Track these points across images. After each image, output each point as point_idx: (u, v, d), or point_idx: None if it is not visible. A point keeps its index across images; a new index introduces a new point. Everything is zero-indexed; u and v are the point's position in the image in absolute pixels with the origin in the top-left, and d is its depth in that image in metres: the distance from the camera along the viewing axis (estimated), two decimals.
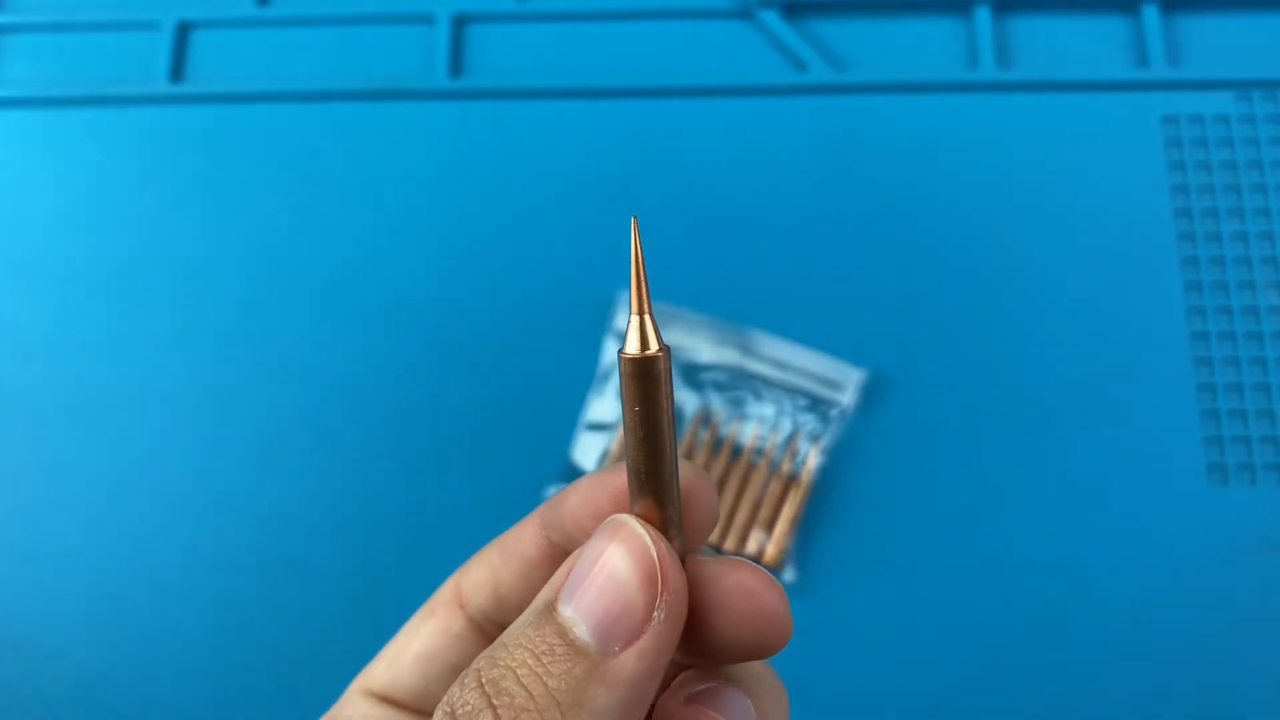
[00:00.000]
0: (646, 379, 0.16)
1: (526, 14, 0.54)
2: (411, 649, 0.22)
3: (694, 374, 0.48)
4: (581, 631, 0.16)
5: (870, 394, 0.47)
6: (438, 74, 0.53)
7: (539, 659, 0.16)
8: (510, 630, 0.17)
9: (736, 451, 0.47)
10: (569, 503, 0.20)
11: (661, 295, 0.49)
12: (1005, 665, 0.44)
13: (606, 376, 0.48)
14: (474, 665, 0.16)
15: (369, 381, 0.49)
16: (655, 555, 0.16)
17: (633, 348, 0.16)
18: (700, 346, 0.48)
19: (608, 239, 0.50)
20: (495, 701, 0.16)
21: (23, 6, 0.56)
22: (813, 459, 0.46)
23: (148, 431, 0.48)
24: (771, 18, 0.53)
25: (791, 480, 0.46)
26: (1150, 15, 0.52)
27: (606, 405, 0.47)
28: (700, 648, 0.18)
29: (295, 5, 0.55)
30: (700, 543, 0.19)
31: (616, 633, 0.16)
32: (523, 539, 0.21)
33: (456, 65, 0.54)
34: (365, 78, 0.53)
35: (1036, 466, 0.46)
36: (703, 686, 0.18)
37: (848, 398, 0.47)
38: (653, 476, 0.17)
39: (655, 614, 0.16)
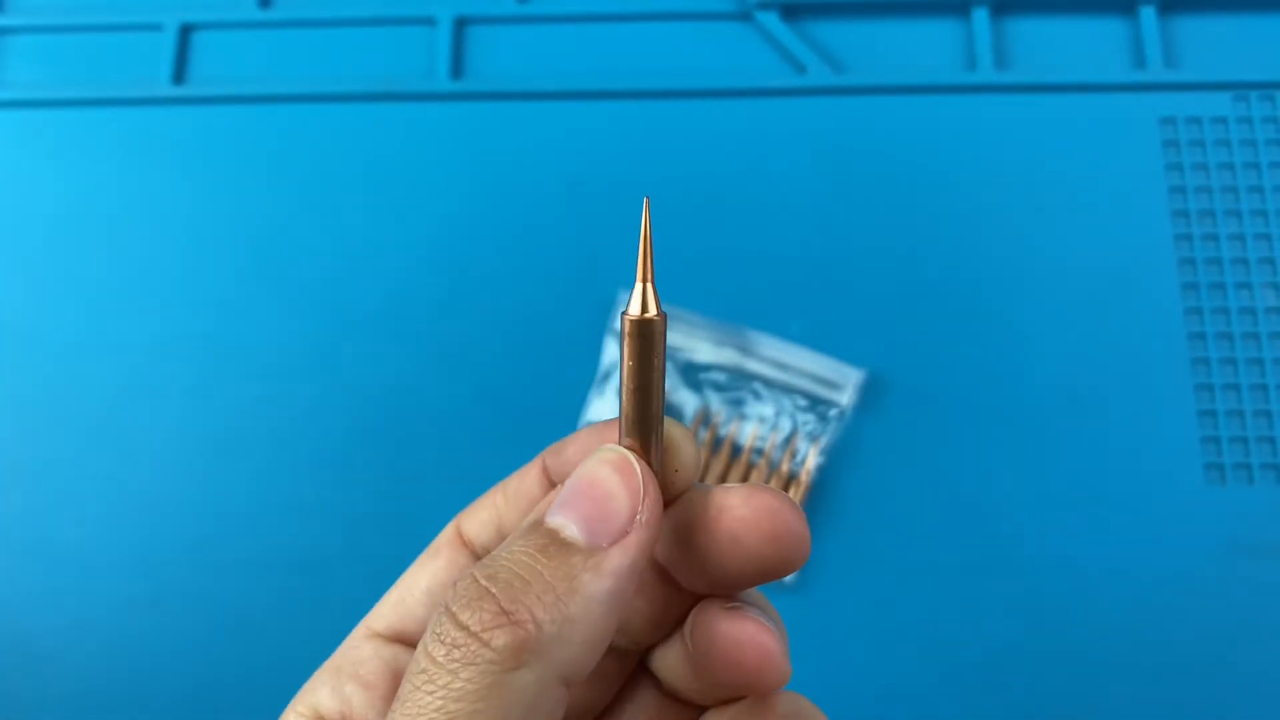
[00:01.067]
0: (643, 338, 0.19)
1: (527, 16, 0.55)
2: (419, 585, 0.24)
3: (693, 374, 0.48)
4: (571, 531, 0.18)
5: (869, 394, 0.47)
6: (439, 76, 0.53)
7: (533, 555, 0.18)
8: (498, 548, 0.19)
9: (736, 451, 0.47)
10: (570, 449, 0.22)
11: (661, 296, 0.49)
12: (1004, 664, 0.44)
13: (607, 376, 0.48)
14: (468, 571, 0.18)
15: (369, 381, 0.49)
16: (637, 469, 0.19)
17: (634, 310, 0.19)
18: (700, 347, 0.48)
19: (608, 239, 0.51)
20: (493, 589, 0.17)
21: (25, 8, 0.56)
22: (812, 459, 0.46)
23: (148, 431, 0.48)
24: (771, 20, 0.53)
25: (790, 480, 0.46)
26: (1147, 17, 0.53)
27: (606, 405, 0.47)
28: (726, 571, 0.20)
29: (297, 7, 0.55)
30: (686, 483, 0.21)
31: (603, 531, 0.18)
32: (526, 481, 0.23)
33: (458, 67, 0.54)
34: (367, 80, 0.54)
35: (1035, 466, 0.46)
36: (732, 604, 0.20)
37: (847, 398, 0.47)
38: (640, 423, 0.19)
39: (637, 518, 0.18)
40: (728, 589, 0.20)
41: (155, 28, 0.55)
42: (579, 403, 0.48)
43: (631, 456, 0.19)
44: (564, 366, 0.48)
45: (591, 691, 0.22)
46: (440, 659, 0.17)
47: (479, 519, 0.24)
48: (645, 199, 0.19)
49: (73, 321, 0.50)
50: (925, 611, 0.45)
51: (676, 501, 0.20)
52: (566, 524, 0.18)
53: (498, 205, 0.51)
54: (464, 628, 0.17)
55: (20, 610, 0.46)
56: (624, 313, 0.19)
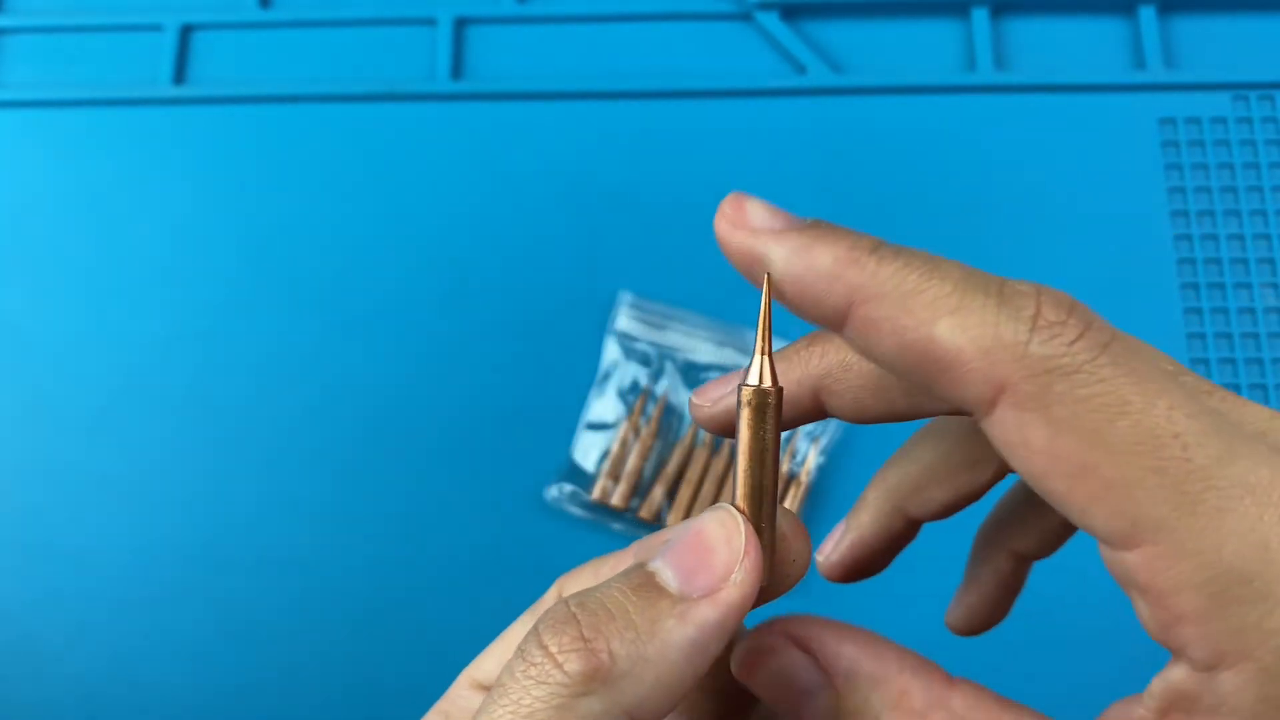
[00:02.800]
0: (759, 410, 0.20)
1: (527, 16, 0.55)
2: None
3: (694, 374, 0.48)
4: (666, 576, 0.19)
5: None
6: (439, 76, 0.53)
7: (624, 592, 0.18)
8: (602, 582, 0.19)
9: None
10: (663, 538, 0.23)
11: (662, 296, 0.49)
12: (1003, 664, 0.44)
13: (607, 376, 0.48)
14: (564, 597, 0.19)
15: (369, 381, 0.49)
16: (743, 530, 0.19)
17: (752, 379, 0.20)
18: (700, 347, 0.48)
19: (608, 240, 0.51)
20: (579, 616, 0.18)
21: (26, 8, 0.56)
22: (812, 458, 0.46)
23: (149, 431, 0.48)
24: (771, 20, 0.53)
25: (791, 479, 0.46)
26: (1147, 17, 0.53)
27: (606, 405, 0.48)
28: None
29: (297, 8, 0.55)
30: (796, 575, 0.21)
31: (696, 583, 0.18)
32: (624, 561, 0.23)
33: (458, 67, 0.54)
34: (367, 80, 0.54)
35: None
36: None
37: None
38: (753, 492, 0.20)
39: (733, 577, 0.19)
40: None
41: (155, 28, 0.55)
42: (579, 403, 0.48)
43: (740, 518, 0.19)
44: (564, 366, 0.48)
45: None
46: (518, 675, 0.17)
47: (579, 580, 0.24)
48: (767, 276, 0.19)
49: (73, 321, 0.50)
50: (925, 611, 0.45)
51: None
52: (664, 568, 0.19)
53: (498, 205, 0.52)
54: (544, 648, 0.18)
55: (21, 611, 0.46)
56: (742, 384, 0.20)
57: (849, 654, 0.19)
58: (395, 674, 0.45)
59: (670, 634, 0.18)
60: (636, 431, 0.47)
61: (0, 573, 0.47)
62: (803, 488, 0.46)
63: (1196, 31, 0.53)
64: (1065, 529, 0.25)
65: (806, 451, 0.47)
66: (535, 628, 0.18)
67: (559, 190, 0.52)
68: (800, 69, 0.53)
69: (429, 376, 0.49)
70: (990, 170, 0.51)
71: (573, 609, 0.18)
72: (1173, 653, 0.17)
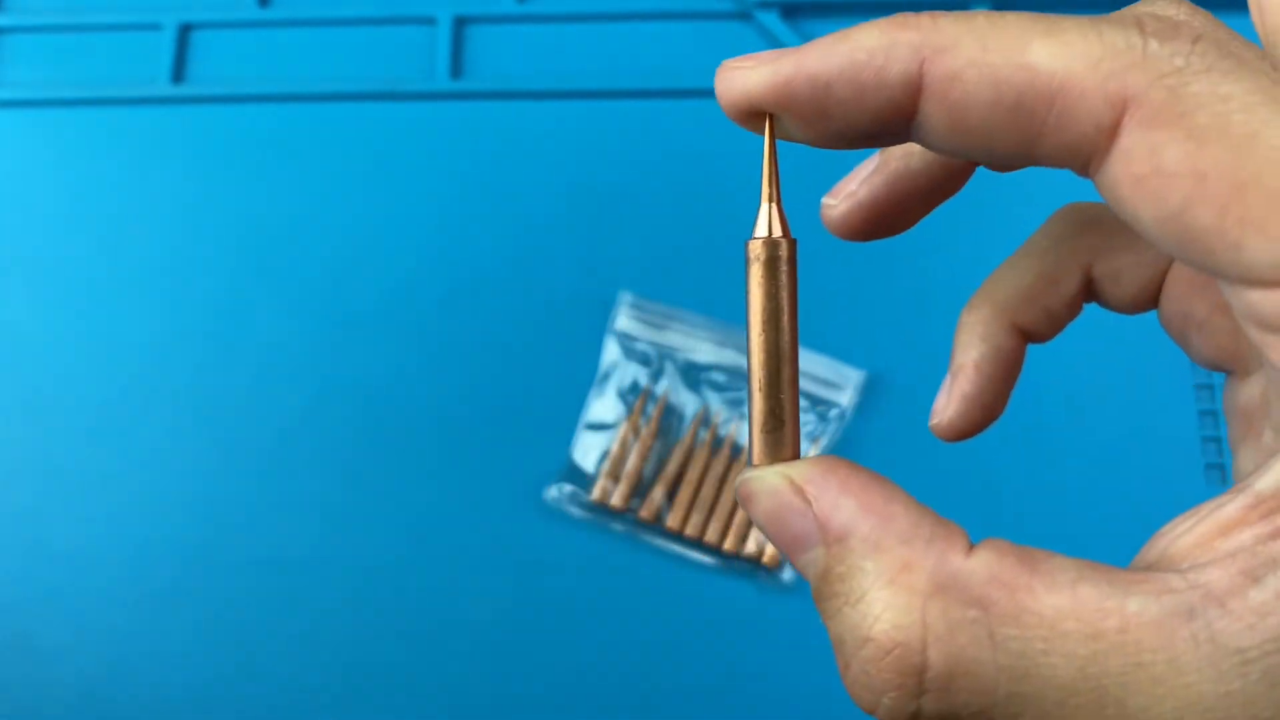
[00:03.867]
0: (771, 264, 0.17)
1: (527, 15, 0.55)
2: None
3: (694, 374, 0.48)
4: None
5: (869, 395, 0.47)
6: (439, 75, 0.53)
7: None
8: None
9: (736, 451, 0.47)
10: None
11: (661, 296, 0.49)
12: None
13: (607, 376, 0.48)
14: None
15: (369, 381, 0.49)
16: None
17: (760, 232, 0.18)
18: (700, 347, 0.48)
19: (608, 240, 0.51)
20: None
21: (24, 7, 0.56)
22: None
23: (148, 431, 0.48)
24: (771, 19, 0.53)
25: None
26: None
27: (606, 405, 0.47)
28: None
29: (296, 6, 0.55)
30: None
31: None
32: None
33: (457, 66, 0.54)
34: (366, 79, 0.54)
35: (1034, 465, 0.46)
36: None
37: (847, 398, 0.47)
38: (768, 369, 0.18)
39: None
40: None
41: (154, 27, 0.55)
42: (579, 403, 0.48)
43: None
44: (564, 366, 0.48)
45: None
46: None
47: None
48: (769, 119, 0.17)
49: (72, 321, 0.50)
50: None
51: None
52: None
53: (497, 205, 0.51)
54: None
55: (21, 610, 0.46)
56: (749, 238, 0.18)
57: (847, 509, 0.16)
58: (395, 674, 0.45)
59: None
60: (636, 432, 0.47)
61: (1, 573, 0.47)
62: None
63: None
64: (1075, 303, 0.22)
65: (806, 451, 0.47)
66: None
67: (559, 190, 0.51)
68: None
69: (428, 376, 0.49)
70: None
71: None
72: None
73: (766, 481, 0.17)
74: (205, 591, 0.46)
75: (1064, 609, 0.14)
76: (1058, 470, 0.46)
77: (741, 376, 0.48)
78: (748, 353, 0.18)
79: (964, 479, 0.46)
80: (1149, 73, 0.13)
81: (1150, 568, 0.15)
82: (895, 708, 0.14)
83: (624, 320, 0.48)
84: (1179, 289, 0.20)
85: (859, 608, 0.15)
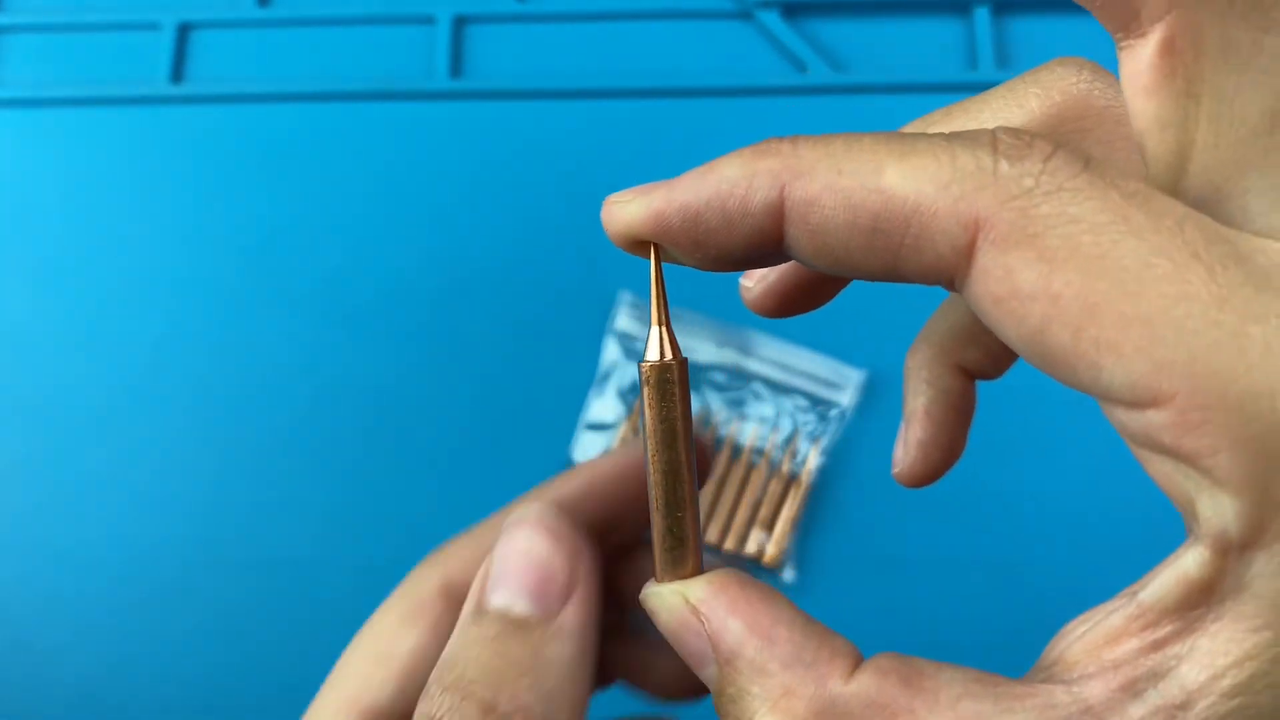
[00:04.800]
0: (663, 386, 0.18)
1: (527, 15, 0.54)
2: (404, 657, 0.21)
3: (694, 374, 0.48)
4: (521, 608, 0.18)
5: (869, 394, 0.47)
6: (438, 74, 0.53)
7: (489, 645, 0.17)
8: (450, 645, 0.18)
9: (736, 452, 0.47)
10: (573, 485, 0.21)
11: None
12: (1003, 665, 0.44)
13: (607, 376, 0.48)
14: (429, 682, 0.17)
15: (369, 381, 0.49)
16: (560, 525, 0.18)
17: (651, 355, 0.18)
18: (700, 347, 0.48)
19: (607, 239, 0.50)
20: (470, 691, 0.16)
21: (23, 7, 0.56)
22: (812, 459, 0.46)
23: (148, 431, 0.48)
24: (772, 18, 0.53)
25: (791, 480, 0.46)
26: None
27: (607, 405, 0.47)
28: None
29: (296, 6, 0.55)
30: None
31: (552, 597, 0.18)
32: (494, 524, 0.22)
33: (457, 66, 0.54)
34: (366, 78, 0.53)
35: (1035, 465, 0.46)
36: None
37: (847, 398, 0.47)
38: (666, 485, 0.18)
39: (579, 573, 0.18)
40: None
41: (153, 26, 0.55)
42: (579, 403, 0.48)
43: (548, 513, 0.19)
44: (564, 366, 0.48)
45: None
46: None
47: (457, 553, 0.22)
48: (653, 246, 0.17)
49: (72, 320, 0.50)
50: (925, 612, 0.45)
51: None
52: (513, 601, 0.18)
53: (497, 204, 0.51)
54: None
55: (20, 610, 0.46)
56: (640, 360, 0.18)
57: (735, 630, 0.15)
58: None
59: (560, 655, 0.17)
60: (636, 432, 0.47)
61: (1, 572, 0.47)
62: (803, 488, 0.46)
63: None
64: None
65: (807, 452, 0.46)
66: (430, 715, 0.17)
67: (559, 190, 0.51)
68: (801, 67, 0.53)
69: (428, 376, 0.49)
70: None
71: (455, 689, 0.17)
72: (1194, 532, 0.14)
73: (665, 599, 0.17)
74: (205, 592, 0.46)
75: None
76: (1057, 469, 0.46)
77: (742, 377, 0.48)
78: (646, 471, 0.18)
79: (963, 479, 0.46)
80: (999, 194, 0.13)
81: (1047, 671, 0.15)
82: None
83: (624, 320, 0.48)
84: None
85: None
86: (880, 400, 0.47)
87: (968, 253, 0.13)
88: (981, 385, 0.51)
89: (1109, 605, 0.15)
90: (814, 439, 0.47)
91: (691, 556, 0.18)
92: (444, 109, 0.53)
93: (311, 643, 0.46)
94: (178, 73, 0.54)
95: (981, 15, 0.53)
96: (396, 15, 0.55)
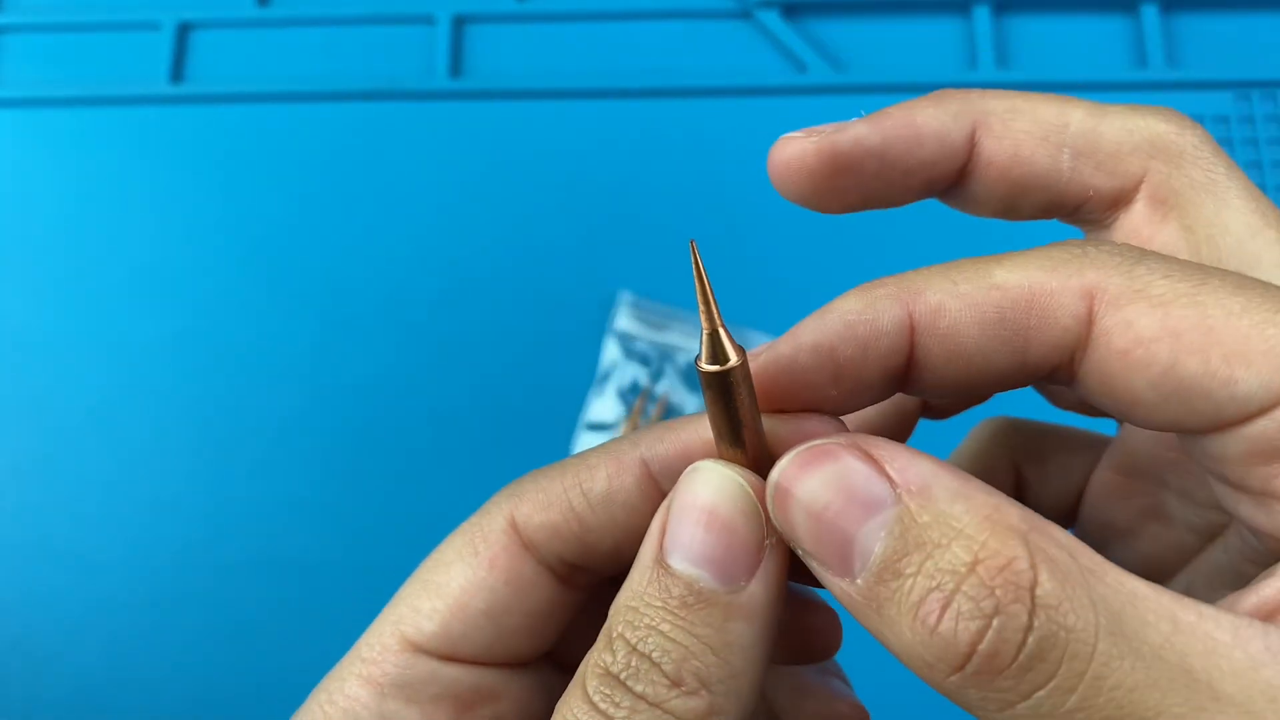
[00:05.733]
0: (727, 389, 0.17)
1: (526, 15, 0.54)
2: (476, 605, 0.20)
3: (694, 374, 0.48)
4: (706, 580, 0.17)
5: None
6: (438, 74, 0.53)
7: (675, 614, 0.17)
8: (632, 590, 0.17)
9: None
10: (669, 445, 0.20)
11: (660, 296, 0.49)
12: None
13: (607, 376, 0.48)
14: (614, 628, 0.17)
15: (369, 381, 0.49)
16: (748, 488, 0.17)
17: (708, 362, 0.17)
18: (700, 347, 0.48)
19: (607, 239, 0.50)
20: (656, 659, 0.16)
21: (23, 7, 0.56)
22: None
23: (148, 431, 0.48)
24: (771, 18, 0.53)
25: None
26: (1149, 16, 0.52)
27: (606, 405, 0.47)
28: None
29: (295, 6, 0.55)
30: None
31: (737, 570, 0.17)
32: (623, 484, 0.20)
33: (456, 66, 0.54)
34: (365, 78, 0.53)
35: None
36: (823, 671, 0.20)
37: None
38: (736, 441, 0.18)
39: (766, 542, 0.17)
40: None
41: (153, 26, 0.55)
42: (579, 403, 0.48)
43: (732, 471, 0.17)
44: (564, 366, 0.48)
45: (547, 630, 0.21)
46: None
47: (548, 524, 0.20)
48: (691, 242, 0.17)
49: (72, 320, 0.50)
50: None
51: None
52: (698, 573, 0.17)
53: (497, 204, 0.51)
54: (640, 697, 0.16)
55: (20, 611, 0.46)
56: (697, 360, 0.18)
57: (922, 467, 0.15)
58: None
59: (744, 638, 0.17)
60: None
61: (1, 573, 0.47)
62: None
63: (1199, 30, 0.53)
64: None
65: None
66: (607, 671, 0.17)
67: (559, 189, 0.51)
68: (801, 67, 0.53)
69: (428, 376, 0.49)
70: None
71: (640, 650, 0.16)
72: None
73: (829, 450, 0.16)
74: (205, 592, 0.46)
75: (1141, 590, 0.14)
76: None
77: None
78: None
79: None
80: (1102, 266, 0.15)
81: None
82: (1009, 626, 0.14)
83: (624, 320, 0.48)
84: (1098, 499, 0.22)
85: (953, 547, 0.14)
86: None
87: (1087, 319, 0.15)
88: None
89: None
90: None
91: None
92: (444, 109, 0.53)
93: (311, 643, 0.46)
94: (178, 73, 0.54)
95: (981, 15, 0.53)
96: (396, 15, 0.54)
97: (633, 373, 0.48)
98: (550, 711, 0.17)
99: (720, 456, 0.18)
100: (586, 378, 0.48)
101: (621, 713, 0.16)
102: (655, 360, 0.48)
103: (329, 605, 0.46)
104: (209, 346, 0.49)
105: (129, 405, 0.49)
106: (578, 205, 0.51)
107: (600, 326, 0.48)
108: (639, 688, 0.16)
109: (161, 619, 0.46)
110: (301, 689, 0.46)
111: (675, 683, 0.16)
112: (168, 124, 0.53)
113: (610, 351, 0.48)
